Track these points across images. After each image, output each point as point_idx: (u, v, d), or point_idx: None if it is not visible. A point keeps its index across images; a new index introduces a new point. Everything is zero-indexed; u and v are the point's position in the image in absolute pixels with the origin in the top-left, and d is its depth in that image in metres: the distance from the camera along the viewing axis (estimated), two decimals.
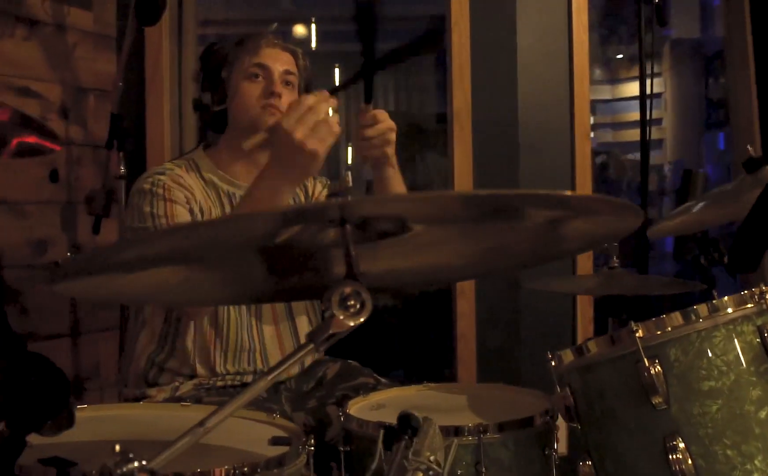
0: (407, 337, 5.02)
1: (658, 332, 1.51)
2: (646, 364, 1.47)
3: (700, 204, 1.91)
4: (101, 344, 3.07)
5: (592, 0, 3.33)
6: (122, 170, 2.84)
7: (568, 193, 1.20)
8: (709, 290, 2.07)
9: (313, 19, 6.16)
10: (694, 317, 1.51)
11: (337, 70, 7.04)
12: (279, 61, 2.14)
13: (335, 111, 1.78)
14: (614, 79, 5.94)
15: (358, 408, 1.93)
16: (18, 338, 1.24)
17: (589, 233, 1.27)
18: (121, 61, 2.87)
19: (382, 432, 1.36)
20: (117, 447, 0.96)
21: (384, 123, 2.04)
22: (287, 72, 2.15)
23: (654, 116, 6.26)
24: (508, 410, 1.86)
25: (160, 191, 2.03)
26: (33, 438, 1.15)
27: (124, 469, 0.92)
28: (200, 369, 2.11)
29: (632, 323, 1.49)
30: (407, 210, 1.08)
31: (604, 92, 6.17)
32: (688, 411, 1.48)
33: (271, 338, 2.20)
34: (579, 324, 3.17)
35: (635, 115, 6.33)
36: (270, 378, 1.04)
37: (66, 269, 1.13)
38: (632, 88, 6.27)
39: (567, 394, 1.63)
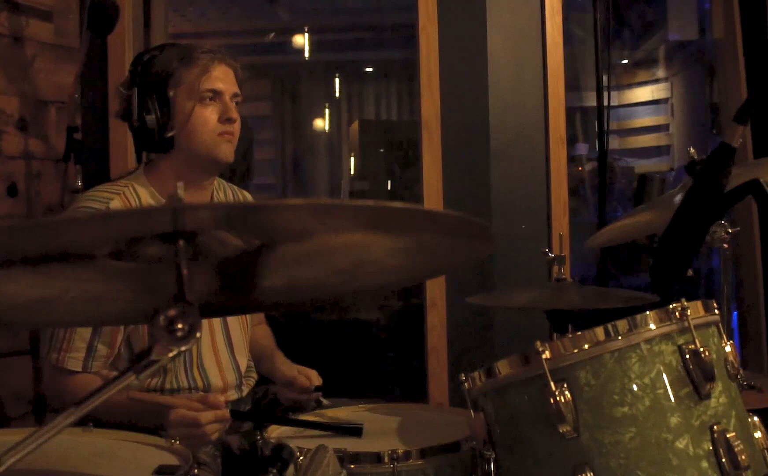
0: (401, 354, 4.86)
1: (570, 352, 1.38)
2: (553, 389, 1.34)
3: (642, 210, 1.77)
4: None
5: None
6: (79, 183, 2.77)
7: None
8: (663, 304, 1.93)
9: (307, 29, 6.09)
10: (609, 335, 1.38)
11: (337, 80, 6.98)
12: (229, 82, 2.06)
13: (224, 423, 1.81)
14: (619, 86, 5.79)
15: (281, 432, 1.83)
16: None
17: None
18: (77, 72, 2.80)
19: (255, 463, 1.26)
20: None
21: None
22: (236, 94, 2.07)
23: (661, 122, 6.12)
24: (437, 434, 1.75)
25: None
26: None
27: None
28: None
29: (538, 343, 1.37)
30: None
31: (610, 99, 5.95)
32: (599, 440, 1.34)
33: (207, 349, 2.09)
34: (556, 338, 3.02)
35: (642, 122, 6.20)
36: (77, 413, 0.93)
37: None
38: (638, 94, 6.11)
39: (481, 419, 1.51)
